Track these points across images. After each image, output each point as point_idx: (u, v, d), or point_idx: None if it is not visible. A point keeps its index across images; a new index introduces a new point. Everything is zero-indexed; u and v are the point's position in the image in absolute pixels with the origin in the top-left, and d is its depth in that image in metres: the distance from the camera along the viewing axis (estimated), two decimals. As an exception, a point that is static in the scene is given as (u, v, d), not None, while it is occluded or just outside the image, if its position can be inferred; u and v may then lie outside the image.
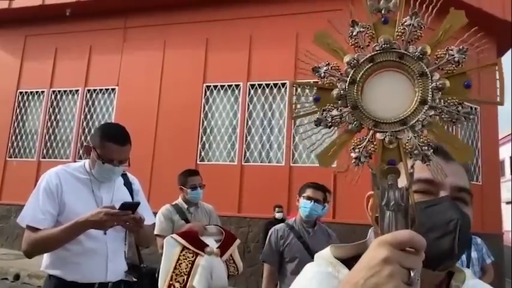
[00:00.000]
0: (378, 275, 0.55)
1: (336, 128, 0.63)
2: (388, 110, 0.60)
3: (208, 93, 9.78)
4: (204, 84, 9.77)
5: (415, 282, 0.55)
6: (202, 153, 9.60)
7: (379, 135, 0.61)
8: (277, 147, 9.18)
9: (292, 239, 3.21)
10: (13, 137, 11.15)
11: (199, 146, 9.59)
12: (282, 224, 3.43)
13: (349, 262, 0.81)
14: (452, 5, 0.58)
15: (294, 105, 0.63)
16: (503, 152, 26.90)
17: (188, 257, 3.12)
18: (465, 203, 0.80)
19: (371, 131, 0.61)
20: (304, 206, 3.23)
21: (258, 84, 9.43)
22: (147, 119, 9.80)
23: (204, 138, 9.66)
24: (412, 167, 0.60)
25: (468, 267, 3.79)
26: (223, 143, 9.54)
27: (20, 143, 11.11)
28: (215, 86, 9.75)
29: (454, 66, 0.58)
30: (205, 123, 9.72)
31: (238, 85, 9.56)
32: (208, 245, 3.22)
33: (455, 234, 0.74)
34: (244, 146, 9.32)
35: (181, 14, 9.98)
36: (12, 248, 9.66)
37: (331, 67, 0.62)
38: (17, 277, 7.76)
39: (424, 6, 0.58)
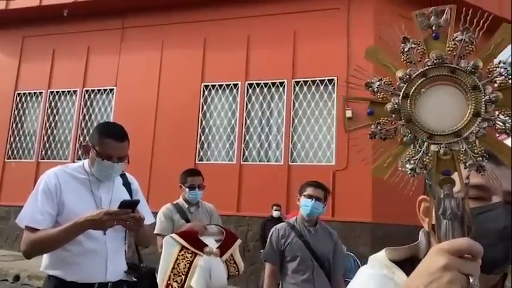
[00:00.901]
0: (438, 281, 0.57)
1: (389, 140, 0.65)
2: (441, 122, 0.62)
3: (206, 92, 9.79)
4: (203, 84, 9.77)
5: (475, 287, 0.58)
6: (201, 153, 9.60)
7: (433, 147, 0.63)
8: (276, 146, 9.21)
9: (294, 238, 3.19)
10: (11, 138, 11.11)
11: (198, 145, 9.60)
12: (283, 223, 3.41)
13: (403, 264, 0.84)
14: (501, 21, 0.60)
15: (346, 119, 0.66)
16: None
17: (187, 257, 3.11)
18: None
19: (426, 143, 0.63)
20: (305, 204, 3.23)
21: (256, 83, 9.45)
22: (146, 119, 9.79)
23: (202, 138, 9.67)
24: (467, 177, 0.63)
25: None
26: (221, 142, 9.55)
27: (18, 144, 11.07)
28: (213, 86, 9.76)
29: (506, 79, 0.60)
30: (203, 122, 9.73)
31: (237, 84, 9.57)
32: (207, 245, 3.20)
33: (510, 242, 0.76)
34: (243, 145, 9.34)
35: (179, 14, 9.97)
36: (12, 249, 9.63)
37: (384, 82, 0.64)
38: (16, 278, 7.75)
39: (475, 21, 0.60)
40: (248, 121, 9.44)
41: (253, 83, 9.47)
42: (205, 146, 9.64)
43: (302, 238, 3.18)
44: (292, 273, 3.12)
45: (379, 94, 0.64)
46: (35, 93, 11.16)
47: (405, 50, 0.62)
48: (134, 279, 2.34)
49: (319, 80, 8.95)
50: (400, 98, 0.63)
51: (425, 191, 0.85)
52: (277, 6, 9.31)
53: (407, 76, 0.62)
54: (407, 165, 0.64)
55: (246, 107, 9.45)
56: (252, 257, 7.97)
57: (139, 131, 9.23)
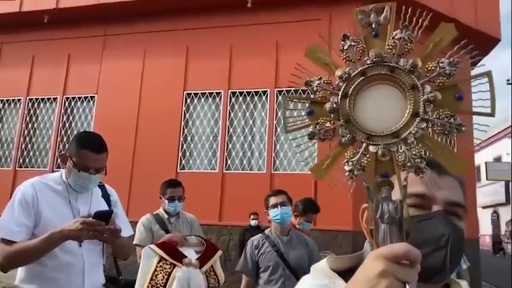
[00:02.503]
0: None
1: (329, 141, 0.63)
2: (380, 123, 0.60)
3: (189, 100, 9.75)
4: (185, 92, 9.73)
5: None
6: (183, 161, 9.53)
7: (372, 148, 0.61)
8: (259, 154, 9.20)
9: (267, 248, 3.24)
10: (-12, 146, 10.88)
11: (180, 154, 9.53)
12: (258, 235, 3.46)
13: (345, 274, 0.81)
14: (442, 20, 0.59)
15: (286, 119, 0.64)
16: (479, 158, 27.58)
17: (165, 268, 3.08)
18: (458, 217, 0.80)
19: (364, 144, 0.62)
20: (274, 215, 3.27)
21: (239, 92, 9.45)
22: (127, 127, 9.69)
23: (184, 146, 9.61)
24: (405, 179, 0.61)
25: None
26: (204, 150, 9.50)
27: (-5, 152, 10.84)
28: (196, 94, 9.73)
29: (445, 78, 0.59)
30: (185, 130, 9.67)
31: (219, 93, 9.56)
32: (186, 256, 3.17)
33: (447, 250, 0.75)
34: (226, 153, 9.30)
35: (162, 22, 9.94)
36: (-14, 260, 9.36)
37: (324, 81, 0.62)
38: (-9, 290, 7.51)
39: (414, 19, 0.59)
40: (231, 130, 9.41)
41: (236, 92, 9.47)
42: (187, 154, 9.58)
43: (275, 248, 3.22)
44: (264, 284, 3.15)
45: (318, 93, 0.62)
46: (13, 100, 10.96)
47: (345, 48, 0.61)
48: (113, 293, 2.29)
49: (302, 90, 8.93)
50: (339, 98, 0.61)
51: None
52: (260, 16, 9.36)
53: (346, 75, 0.60)
54: (345, 167, 0.62)
55: (229, 116, 9.43)
56: (233, 266, 7.85)
57: (120, 139, 9.14)
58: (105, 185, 2.43)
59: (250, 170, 9.18)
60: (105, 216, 2.06)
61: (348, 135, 0.61)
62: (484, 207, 34.18)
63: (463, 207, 0.82)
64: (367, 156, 0.62)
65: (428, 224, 0.75)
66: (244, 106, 9.43)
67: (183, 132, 9.64)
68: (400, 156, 0.61)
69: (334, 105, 0.61)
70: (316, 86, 0.62)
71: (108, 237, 2.07)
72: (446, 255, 0.75)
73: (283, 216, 3.27)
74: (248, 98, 9.41)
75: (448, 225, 0.76)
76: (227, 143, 9.36)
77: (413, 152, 0.60)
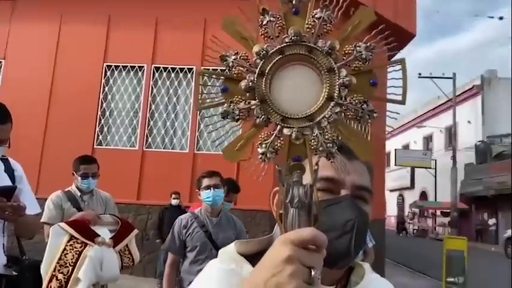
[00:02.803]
0: (280, 275, 0.54)
1: (243, 121, 0.61)
2: (296, 105, 0.59)
3: (108, 73, 9.27)
4: (105, 64, 9.24)
5: (316, 281, 0.55)
6: (100, 137, 9.10)
7: (286, 131, 0.60)
8: (182, 133, 9.04)
9: (195, 228, 3.23)
10: None
11: (97, 129, 9.08)
12: (187, 214, 3.46)
13: (254, 258, 0.80)
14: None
15: (200, 95, 0.60)
16: (390, 145, 29.62)
17: (76, 247, 2.97)
18: (365, 201, 0.82)
19: (278, 126, 0.60)
20: (206, 196, 3.27)
21: (163, 68, 9.16)
22: (39, 97, 9.01)
23: (102, 121, 9.16)
24: (316, 164, 0.60)
25: None
26: (123, 126, 9.14)
27: None
28: (117, 67, 9.27)
29: (361, 63, 0.58)
30: (104, 104, 9.21)
31: (142, 67, 9.20)
32: (99, 235, 3.09)
33: (352, 235, 0.76)
34: (147, 131, 9.03)
35: (81, -14, 9.27)
36: None
37: (240, 56, 0.59)
38: None
39: (335, 0, 0.58)
40: (153, 106, 9.13)
41: (160, 67, 9.17)
42: (105, 130, 9.15)
43: (204, 228, 3.24)
44: (190, 264, 3.15)
45: (234, 69, 0.59)
46: None
47: (264, 23, 0.57)
48: (15, 273, 2.19)
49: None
50: (255, 76, 0.58)
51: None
52: (189, -10, 9.07)
53: (264, 52, 0.57)
54: (258, 149, 0.60)
55: (151, 92, 9.13)
56: (150, 245, 7.79)
57: (30, 109, 8.49)
58: (9, 159, 2.26)
59: (172, 149, 9.01)
60: (6, 193, 1.94)
61: (262, 116, 0.59)
62: (391, 191, 36.96)
63: (370, 192, 0.83)
64: (281, 139, 0.60)
65: (336, 209, 0.76)
66: (168, 82, 9.17)
67: (102, 106, 9.18)
68: (313, 140, 0.60)
69: (250, 83, 0.58)
70: (232, 62, 0.59)
71: (10, 215, 1.96)
72: (351, 240, 0.76)
73: (216, 199, 3.27)
74: (173, 75, 9.16)
75: (354, 209, 0.78)
76: (148, 120, 9.08)
77: (326, 137, 0.59)
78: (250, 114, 0.59)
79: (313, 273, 0.55)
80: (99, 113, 9.13)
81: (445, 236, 12.29)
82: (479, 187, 24.99)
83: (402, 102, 0.59)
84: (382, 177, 11.95)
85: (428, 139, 33.83)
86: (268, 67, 0.58)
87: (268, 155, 0.59)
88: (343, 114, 0.59)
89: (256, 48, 0.58)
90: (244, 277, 0.75)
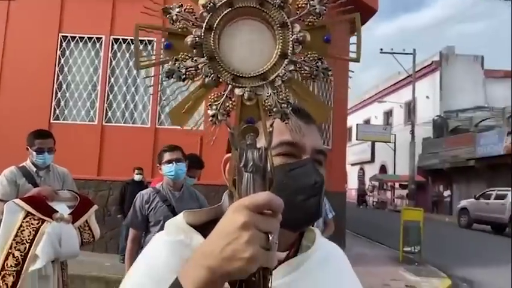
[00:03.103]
0: (236, 242, 0.52)
1: (190, 81, 0.56)
2: (247, 63, 0.55)
3: (64, 44, 8.84)
4: (60, 34, 8.79)
5: (274, 245, 0.54)
6: (57, 111, 8.75)
7: (237, 91, 0.56)
8: (143, 107, 8.82)
9: (158, 203, 3.19)
10: None
11: (54, 103, 8.72)
12: (148, 189, 3.41)
13: (203, 228, 0.78)
14: None
15: (139, 53, 0.56)
16: (351, 120, 30.21)
17: (32, 223, 2.91)
18: (321, 164, 0.81)
19: (229, 86, 0.56)
20: (168, 171, 3.22)
21: (123, 39, 8.81)
22: (-12, 69, 8.50)
23: (59, 95, 8.79)
24: (271, 125, 0.58)
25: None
26: (81, 100, 8.81)
27: None
28: (73, 37, 8.85)
29: (314, 18, 0.55)
30: (60, 77, 8.82)
31: (100, 38, 8.82)
32: (57, 211, 3.02)
33: (320, 197, 0.76)
34: (106, 105, 8.75)
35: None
36: None
37: (185, 9, 0.54)
38: None
39: None
40: (112, 79, 8.82)
41: (119, 39, 8.82)
42: (62, 103, 8.80)
43: (167, 203, 3.21)
44: None
45: (178, 24, 0.54)
46: None
47: (210, -29, 0.53)
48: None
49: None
50: (202, 31, 0.53)
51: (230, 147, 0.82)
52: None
53: (211, 4, 0.53)
54: (208, 111, 0.56)
55: (110, 64, 8.80)
56: (112, 221, 7.68)
57: (-21, 82, 8.02)
58: None
59: (133, 124, 8.79)
60: None
61: (211, 75, 0.54)
62: (352, 165, 37.94)
63: (325, 155, 0.83)
64: (233, 99, 0.56)
65: (300, 172, 0.74)
66: (127, 55, 8.86)
67: (58, 79, 8.79)
68: (266, 101, 0.57)
69: (197, 39, 0.53)
70: (176, 15, 0.54)
71: None
72: (319, 202, 0.76)
73: (178, 173, 3.24)
74: (132, 47, 8.84)
75: (318, 172, 0.77)
76: (108, 93, 8.78)
77: (281, 97, 0.56)
78: (197, 73, 0.55)
79: (270, 238, 0.53)
80: (55, 86, 8.75)
81: (402, 208, 12.78)
82: (436, 160, 26.04)
83: (357, 59, 0.56)
84: (343, 151, 12.19)
85: (388, 114, 34.73)
86: (217, 21, 0.53)
87: (219, 117, 0.56)
88: (297, 72, 0.56)
89: (202, 0, 0.54)
90: (195, 247, 0.74)
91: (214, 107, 0.56)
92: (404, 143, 25.37)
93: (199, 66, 0.54)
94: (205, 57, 0.54)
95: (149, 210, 3.17)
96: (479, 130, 23.89)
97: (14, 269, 2.78)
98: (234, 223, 0.53)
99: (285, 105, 0.56)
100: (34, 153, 3.27)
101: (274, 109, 0.56)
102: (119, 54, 8.87)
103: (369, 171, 36.22)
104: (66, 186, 3.47)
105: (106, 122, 8.72)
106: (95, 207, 3.36)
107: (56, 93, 8.77)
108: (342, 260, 0.93)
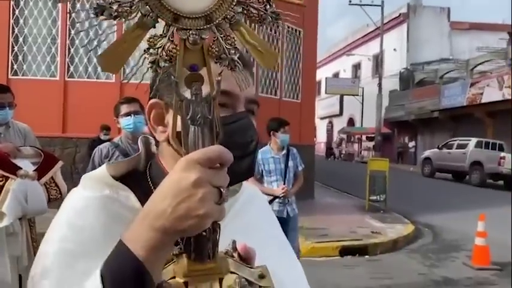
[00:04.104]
0: (189, 200, 0.49)
1: (123, 20, 0.50)
2: (190, 1, 0.49)
3: (18, -6, 8.28)
4: (13, -17, 8.21)
5: (226, 199, 0.52)
6: (15, 66, 8.32)
7: (181, 34, 0.50)
8: (106, 61, 8.49)
9: (118, 157, 3.10)
10: None
11: (11, 57, 8.27)
12: (106, 143, 3.30)
13: (124, 181, 0.74)
14: None
15: None
16: (320, 74, 30.23)
17: None
18: (254, 114, 0.78)
19: (171, 28, 0.50)
20: (126, 124, 3.13)
21: (82, -11, 8.33)
22: None
23: (16, 49, 8.33)
24: (220, 74, 0.53)
25: (286, 175, 4.26)
26: (41, 55, 8.39)
27: None
28: (27, -14, 8.28)
29: None
30: (16, 30, 8.32)
31: (57, -13, 8.30)
32: (21, 168, 2.92)
33: (255, 155, 0.74)
34: (67, 59, 8.37)
35: None
36: None
37: None
38: None
39: None
40: (73, 32, 8.39)
41: (77, -12, 8.32)
42: (20, 58, 8.36)
43: (127, 156, 3.10)
44: None
45: None
46: None
47: None
48: None
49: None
50: None
51: (155, 93, 0.76)
52: None
53: None
54: (147, 56, 0.50)
55: (70, 16, 8.34)
56: (80, 178, 7.54)
57: None
58: None
59: (97, 79, 8.49)
60: None
61: (150, 14, 0.48)
62: (321, 118, 38.39)
63: (258, 104, 0.79)
64: (175, 43, 0.50)
65: (236, 127, 0.71)
66: (87, 5, 8.38)
67: (13, 32, 8.28)
68: (213, 46, 0.51)
69: None
70: None
71: None
72: (253, 160, 0.74)
73: (137, 125, 3.14)
74: (92, -3, 8.38)
75: (254, 129, 0.74)
76: (69, 47, 8.38)
77: (228, 42, 0.51)
78: (132, 11, 0.48)
79: (223, 192, 0.51)
80: (11, 39, 8.26)
81: (369, 159, 13.13)
82: (402, 112, 26.65)
83: (302, 3, 0.52)
84: (312, 105, 12.26)
85: (356, 67, 34.91)
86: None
87: (160, 63, 0.50)
88: (244, 15, 0.52)
89: None
90: (125, 203, 0.71)
91: (154, 51, 0.50)
92: (371, 96, 25.74)
93: (135, 3, 0.48)
94: None
95: None
96: (444, 82, 24.43)
97: None
98: (185, 180, 0.50)
99: (233, 52, 0.52)
100: None
101: (222, 55, 0.52)
102: (78, 5, 8.39)
103: (337, 124, 36.80)
104: (28, 142, 3.35)
105: (69, 78, 8.38)
106: (60, 163, 3.28)
107: (13, 47, 8.30)
108: (262, 199, 0.94)
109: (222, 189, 0.51)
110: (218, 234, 0.54)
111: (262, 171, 4.28)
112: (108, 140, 6.96)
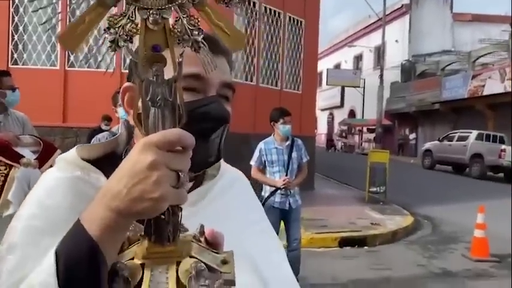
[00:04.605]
0: (144, 182, 0.49)
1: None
2: None
3: (18, -18, 8.23)
4: (12, -29, 8.15)
5: (184, 183, 0.51)
6: (15, 55, 8.29)
7: (141, 13, 0.49)
8: (107, 51, 8.45)
9: None
10: None
11: (11, 46, 8.22)
12: (104, 133, 3.30)
13: (100, 164, 0.75)
14: None
15: None
16: (322, 65, 30.13)
17: (0, 169, 2.89)
18: (228, 100, 0.77)
19: (131, 6, 0.49)
20: (125, 113, 3.12)
21: (82, -23, 8.27)
22: None
23: (16, 38, 8.29)
24: (181, 55, 0.52)
25: (288, 166, 4.25)
26: (41, 44, 8.35)
27: None
28: (26, -26, 8.23)
29: None
30: (16, 19, 8.27)
31: (57, -24, 8.23)
32: (24, 156, 2.98)
33: (222, 139, 0.74)
34: (68, 48, 8.32)
35: None
36: None
37: None
38: None
39: None
40: (72, 20, 8.33)
41: (77, -24, 8.26)
42: (20, 47, 8.32)
43: None
44: None
45: None
46: None
47: None
48: None
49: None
50: None
51: (130, 76, 0.77)
52: None
53: None
54: (106, 36, 0.49)
55: (70, 4, 8.24)
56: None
57: None
58: None
59: (97, 68, 8.45)
60: None
61: None
62: (322, 110, 38.32)
63: (233, 89, 0.78)
64: (136, 22, 0.49)
65: (204, 111, 0.71)
66: (87, -6, 8.34)
67: (13, 21, 8.24)
68: (175, 26, 0.50)
69: None
70: None
71: None
72: (220, 145, 0.74)
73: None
74: (92, -14, 8.32)
75: (224, 113, 0.74)
76: (69, 36, 8.32)
77: (191, 22, 0.50)
78: None
79: (181, 176, 0.50)
80: (11, 28, 8.21)
81: (369, 150, 13.13)
82: (403, 104, 26.60)
83: None
84: (313, 97, 12.23)
85: (358, 58, 34.77)
86: None
87: (120, 43, 0.49)
88: None
89: None
90: (95, 185, 0.71)
91: (113, 30, 0.49)
92: (373, 88, 25.67)
93: None
94: None
95: None
96: (445, 74, 24.35)
97: None
98: (141, 162, 0.49)
99: (196, 33, 0.51)
100: (9, 91, 3.19)
101: (185, 36, 0.50)
102: (78, -6, 8.35)
103: (338, 116, 36.75)
104: (27, 131, 3.40)
105: (69, 67, 8.35)
106: (59, 151, 3.33)
107: (13, 35, 8.26)
108: (244, 184, 0.93)
109: (180, 173, 0.50)
110: (179, 217, 0.53)
111: (264, 161, 4.27)
112: (109, 130, 7.01)
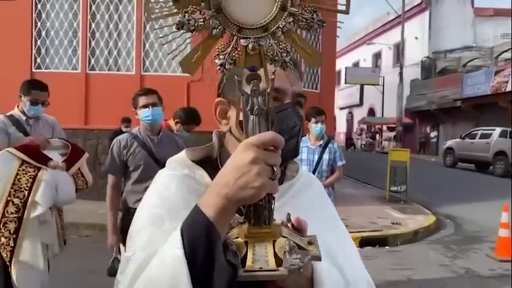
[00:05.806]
0: (248, 174, 0.63)
1: (197, 32, 0.62)
2: (250, 15, 0.61)
3: (40, -12, 8.41)
4: (35, -23, 8.34)
5: (277, 176, 0.65)
6: (38, 60, 8.49)
7: (242, 42, 0.62)
8: (126, 54, 8.59)
9: (136, 148, 3.13)
10: None
11: (34, 51, 8.43)
12: (124, 134, 3.33)
13: (201, 164, 0.91)
14: None
15: (149, 4, 0.61)
16: (340, 63, 29.91)
17: (29, 171, 2.95)
18: (301, 106, 0.92)
19: (235, 37, 0.62)
20: (144, 116, 3.15)
21: (101, -18, 8.40)
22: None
23: (39, 42, 8.49)
24: (273, 73, 0.64)
25: (317, 166, 4.23)
26: (63, 48, 8.53)
27: None
28: (48, -19, 8.41)
29: None
30: (38, 24, 8.47)
31: (77, -19, 8.40)
32: (52, 159, 3.04)
33: (299, 137, 0.88)
34: (89, 52, 8.49)
35: None
36: None
37: None
38: None
39: None
40: (93, 25, 8.50)
41: (97, -19, 8.40)
42: (43, 51, 8.52)
43: (145, 147, 3.16)
44: (134, 183, 3.10)
45: None
46: None
47: None
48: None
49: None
50: None
51: (221, 93, 0.92)
52: None
53: None
54: (216, 61, 0.62)
55: (90, 8, 8.44)
56: (102, 170, 7.68)
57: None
58: None
59: (117, 71, 8.60)
60: None
61: (219, 27, 0.60)
62: (341, 108, 38.04)
63: (304, 97, 0.92)
64: (238, 49, 0.62)
65: (282, 116, 0.84)
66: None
67: (36, 26, 8.44)
68: (268, 51, 0.63)
69: None
70: None
71: None
72: (298, 141, 0.88)
73: (155, 117, 3.17)
74: (111, -10, 8.45)
75: (298, 116, 0.88)
76: (89, 40, 8.50)
77: (281, 47, 0.62)
78: (205, 25, 0.60)
79: (275, 169, 0.64)
80: (34, 33, 8.41)
81: (390, 149, 12.97)
82: (423, 102, 26.17)
83: (346, 11, 0.63)
84: (332, 95, 12.15)
85: (377, 56, 34.37)
86: (223, -23, 0.57)
87: (227, 66, 0.62)
88: (295, 24, 0.62)
89: None
90: (199, 181, 0.87)
91: (222, 56, 0.62)
92: (392, 85, 25.34)
93: (207, 18, 0.60)
94: (213, 10, 0.59)
95: (128, 155, 3.12)
96: (467, 70, 23.86)
97: (14, 215, 2.85)
98: (244, 158, 0.63)
99: (285, 55, 0.63)
100: (28, 103, 3.23)
101: (276, 58, 0.63)
102: (98, -1, 8.49)
103: (358, 114, 36.40)
104: (56, 134, 3.47)
105: (90, 70, 8.51)
106: (86, 154, 3.40)
107: (36, 40, 8.46)
108: (319, 186, 1.08)
109: (274, 167, 0.64)
110: (273, 204, 0.67)
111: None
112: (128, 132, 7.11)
